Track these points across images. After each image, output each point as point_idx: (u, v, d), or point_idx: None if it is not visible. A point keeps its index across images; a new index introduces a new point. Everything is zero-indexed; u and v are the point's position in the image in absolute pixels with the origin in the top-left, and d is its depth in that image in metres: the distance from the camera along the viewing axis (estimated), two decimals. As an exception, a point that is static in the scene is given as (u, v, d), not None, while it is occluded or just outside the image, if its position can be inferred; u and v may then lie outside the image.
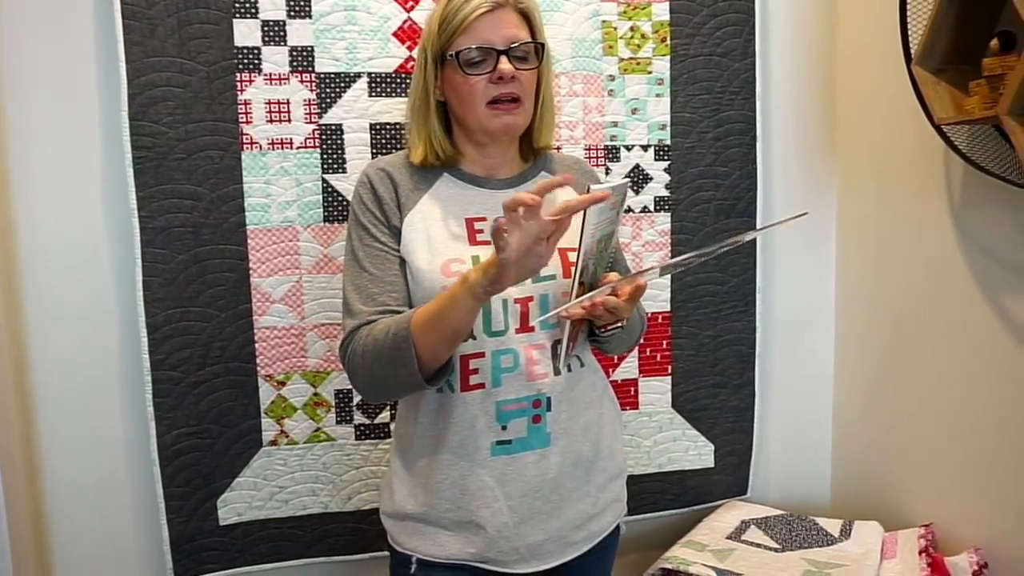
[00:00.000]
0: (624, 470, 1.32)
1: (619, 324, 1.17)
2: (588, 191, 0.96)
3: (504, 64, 1.13)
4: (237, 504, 1.57)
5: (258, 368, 1.55)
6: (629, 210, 1.69)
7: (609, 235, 1.12)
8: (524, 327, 1.15)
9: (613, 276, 1.13)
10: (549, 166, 1.31)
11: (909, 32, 1.39)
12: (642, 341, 1.44)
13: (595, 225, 1.03)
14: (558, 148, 1.63)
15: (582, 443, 1.21)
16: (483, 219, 1.19)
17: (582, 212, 0.97)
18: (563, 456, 1.19)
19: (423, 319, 1.07)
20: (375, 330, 1.10)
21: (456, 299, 1.03)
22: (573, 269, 1.04)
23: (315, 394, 1.59)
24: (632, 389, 1.74)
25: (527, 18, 1.19)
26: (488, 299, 1.04)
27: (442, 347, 1.08)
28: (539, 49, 1.19)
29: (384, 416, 1.62)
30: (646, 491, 1.77)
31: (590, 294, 1.06)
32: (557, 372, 1.17)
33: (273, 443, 1.58)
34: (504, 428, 1.16)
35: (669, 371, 1.76)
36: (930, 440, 1.58)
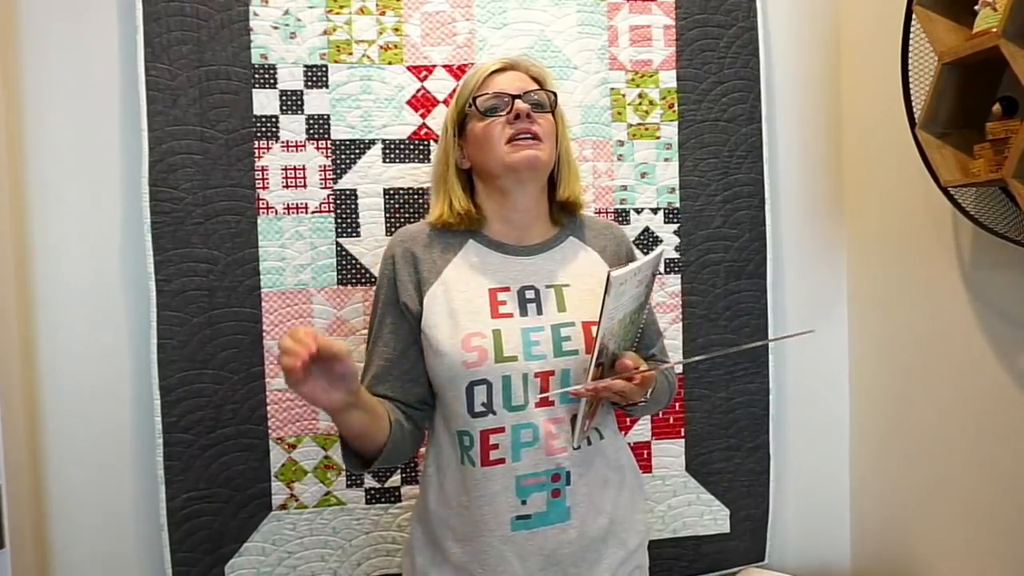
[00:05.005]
0: (646, 536, 1.29)
1: (640, 400, 1.17)
2: (608, 279, 0.99)
3: (520, 104, 1.17)
4: (245, 570, 1.55)
5: (269, 430, 1.55)
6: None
7: (637, 310, 1.13)
8: (544, 401, 1.15)
9: (629, 362, 1.11)
10: (579, 231, 1.30)
11: (912, 97, 1.41)
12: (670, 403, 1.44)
13: (614, 308, 1.03)
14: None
15: (602, 516, 1.20)
16: (506, 289, 1.19)
17: (602, 297, 1.00)
18: (583, 529, 1.17)
19: None
20: None
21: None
22: (593, 349, 1.05)
23: (326, 457, 1.58)
24: (645, 452, 1.72)
25: (538, 81, 1.24)
26: (343, 412, 1.06)
27: (356, 443, 1.14)
28: (552, 100, 1.23)
29: (395, 480, 1.61)
30: (660, 556, 1.73)
31: (593, 384, 1.08)
32: (576, 447, 1.16)
33: (283, 507, 1.56)
34: (524, 503, 1.14)
35: (682, 434, 1.74)
36: (951, 502, 1.55)
